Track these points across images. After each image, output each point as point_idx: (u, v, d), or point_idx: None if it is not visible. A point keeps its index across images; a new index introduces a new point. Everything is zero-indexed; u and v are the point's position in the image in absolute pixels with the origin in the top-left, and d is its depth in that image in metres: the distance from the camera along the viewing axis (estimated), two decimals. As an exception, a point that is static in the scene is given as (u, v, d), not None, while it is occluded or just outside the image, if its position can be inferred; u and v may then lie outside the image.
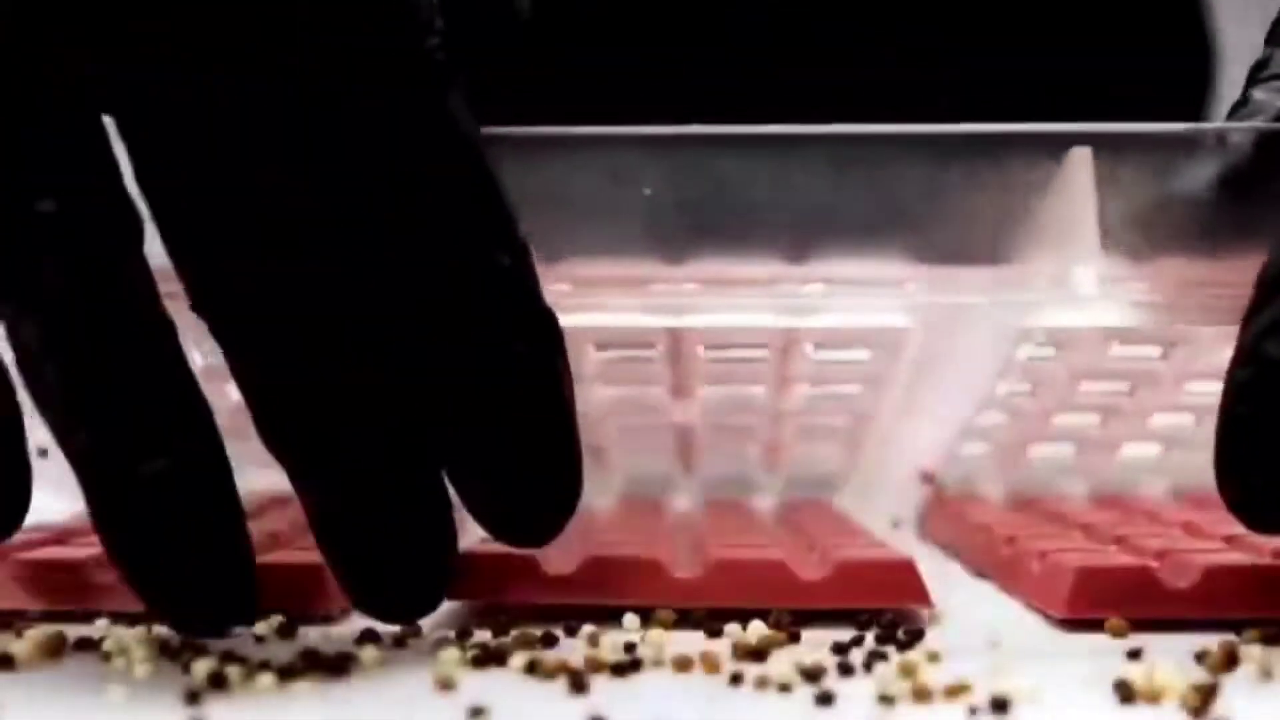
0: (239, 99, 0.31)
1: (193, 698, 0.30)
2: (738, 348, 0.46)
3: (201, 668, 0.32)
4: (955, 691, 0.30)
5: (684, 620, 0.37)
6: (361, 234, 0.32)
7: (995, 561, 0.43)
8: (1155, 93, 0.77)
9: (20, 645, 0.34)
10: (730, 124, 0.39)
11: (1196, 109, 0.78)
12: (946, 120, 0.74)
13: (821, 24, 0.72)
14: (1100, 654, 0.34)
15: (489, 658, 0.33)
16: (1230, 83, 0.80)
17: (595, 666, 0.32)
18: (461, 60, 0.33)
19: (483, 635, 0.35)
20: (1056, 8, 0.75)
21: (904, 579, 0.38)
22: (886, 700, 0.30)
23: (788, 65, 0.72)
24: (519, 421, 0.33)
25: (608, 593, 0.37)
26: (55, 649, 0.34)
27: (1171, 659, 0.33)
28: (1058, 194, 0.40)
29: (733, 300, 0.42)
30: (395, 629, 0.36)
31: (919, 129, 0.40)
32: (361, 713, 0.29)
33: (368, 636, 0.35)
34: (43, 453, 0.34)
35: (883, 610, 0.37)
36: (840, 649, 0.34)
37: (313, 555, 0.39)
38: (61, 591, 0.38)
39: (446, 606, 0.38)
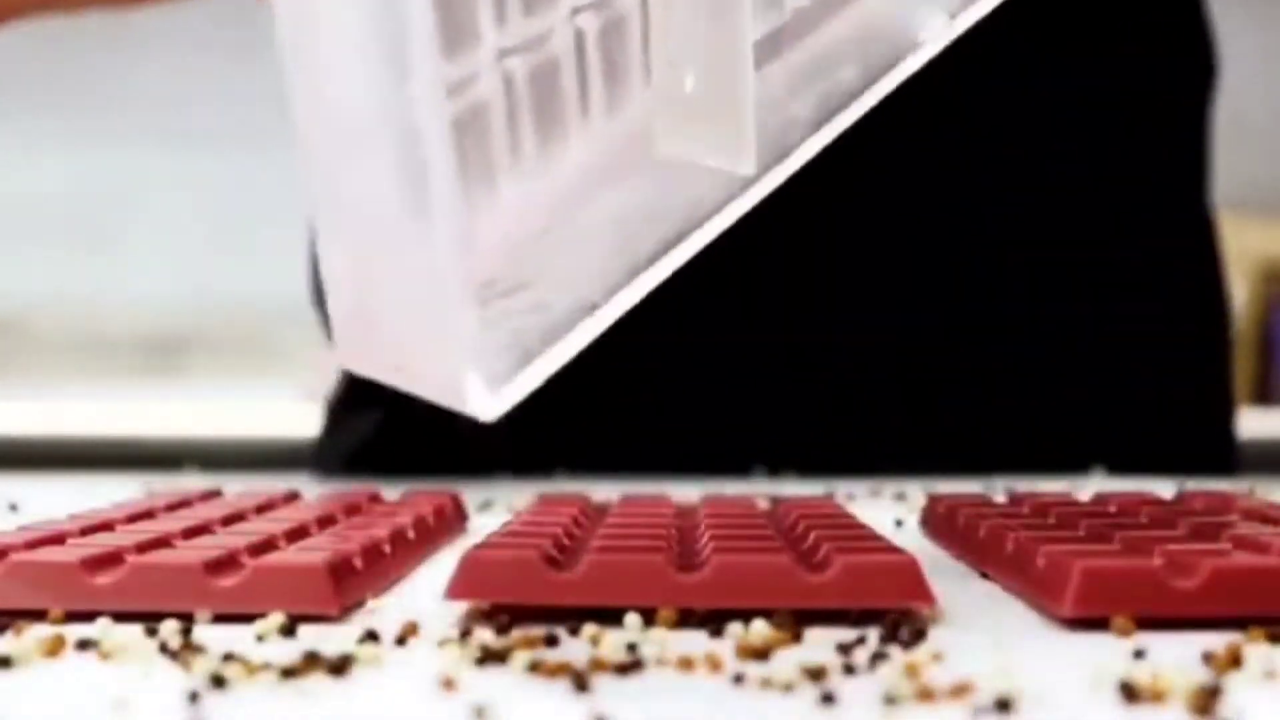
0: None
1: (193, 697, 0.30)
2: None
3: (202, 667, 0.32)
4: (959, 691, 0.30)
5: (686, 620, 0.37)
6: None
7: (999, 561, 0.43)
8: (1157, 94, 0.77)
9: (20, 645, 0.34)
10: None
11: (1198, 109, 0.78)
12: (958, 120, 0.74)
13: None
14: (1105, 654, 0.34)
15: (491, 657, 0.33)
16: (1229, 85, 0.80)
17: (598, 666, 0.32)
18: None
19: (485, 635, 0.35)
20: (1062, 13, 0.75)
21: (907, 579, 0.37)
22: (890, 700, 0.29)
23: None
24: None
25: (611, 593, 0.37)
26: (55, 649, 0.34)
27: (1176, 659, 0.33)
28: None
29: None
30: (396, 629, 0.36)
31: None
32: (363, 712, 0.29)
33: (369, 636, 0.35)
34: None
35: (886, 610, 0.37)
36: (843, 649, 0.34)
37: (313, 555, 0.39)
38: (62, 592, 0.38)
39: (449, 606, 0.38)
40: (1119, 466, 0.69)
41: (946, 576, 0.43)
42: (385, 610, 0.39)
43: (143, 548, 0.41)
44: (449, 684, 0.31)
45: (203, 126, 1.89)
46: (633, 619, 0.36)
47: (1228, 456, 0.78)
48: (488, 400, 0.32)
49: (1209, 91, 0.78)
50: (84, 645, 0.35)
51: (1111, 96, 0.75)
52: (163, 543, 0.42)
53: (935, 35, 0.40)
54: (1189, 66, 0.78)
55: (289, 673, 0.31)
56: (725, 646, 0.34)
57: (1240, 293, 1.76)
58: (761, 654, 0.33)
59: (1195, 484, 0.61)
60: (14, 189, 1.95)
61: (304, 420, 0.84)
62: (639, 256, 0.35)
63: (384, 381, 0.32)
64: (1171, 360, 0.77)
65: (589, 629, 0.35)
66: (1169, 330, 0.77)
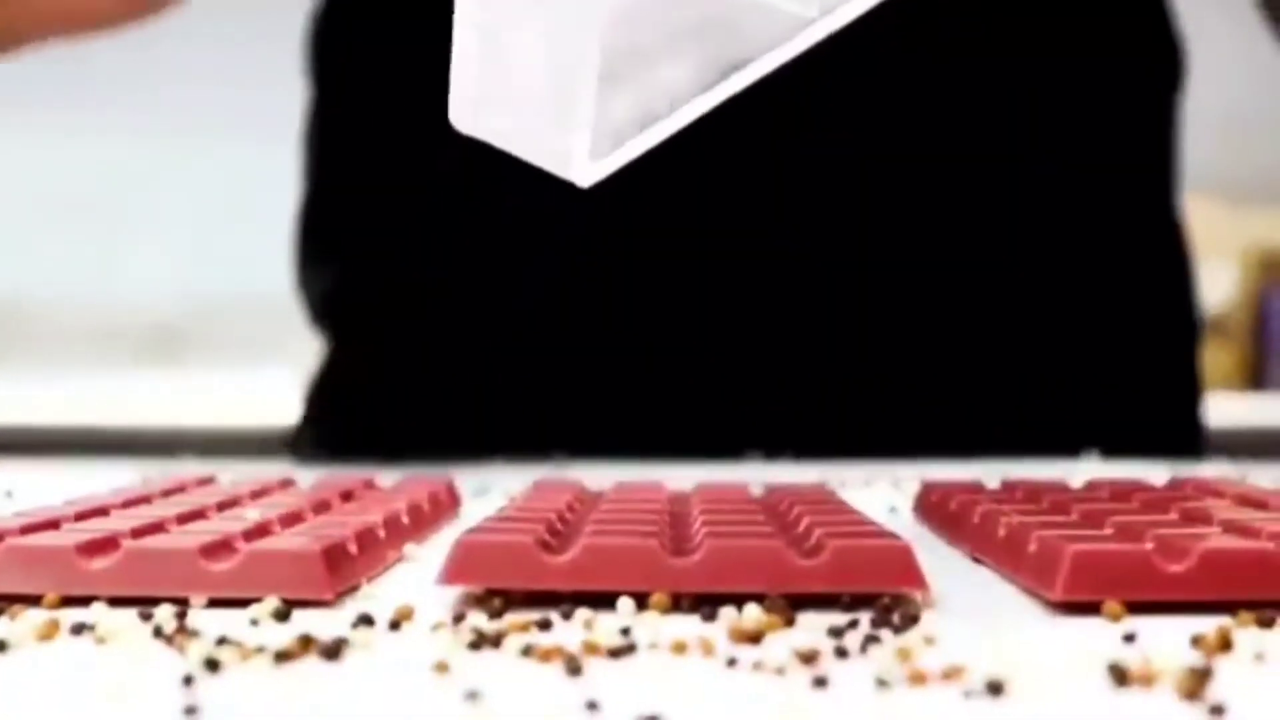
0: None
1: (188, 681, 0.30)
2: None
3: (196, 651, 0.32)
4: (950, 675, 0.30)
5: (679, 604, 0.37)
6: None
7: (991, 545, 0.43)
8: (1125, 88, 0.77)
9: (15, 629, 0.34)
10: None
11: (1166, 103, 0.79)
12: (927, 114, 0.74)
13: None
14: (1095, 637, 0.34)
15: (484, 641, 0.33)
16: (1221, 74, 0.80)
17: (591, 650, 0.32)
18: None
19: (478, 619, 0.35)
20: (1030, 7, 0.75)
21: (900, 563, 0.38)
22: (882, 684, 0.30)
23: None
24: None
25: (604, 578, 0.37)
26: (50, 633, 0.34)
27: (1166, 642, 0.33)
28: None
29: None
30: (390, 614, 0.36)
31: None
32: (357, 696, 0.29)
33: (363, 620, 0.35)
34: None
35: (878, 594, 0.37)
36: (836, 633, 0.34)
37: (307, 540, 0.39)
38: (57, 576, 0.38)
39: (443, 591, 0.38)
40: (1102, 450, 0.70)
41: (939, 561, 0.43)
42: (379, 595, 0.39)
43: (138, 533, 0.41)
44: (442, 668, 0.31)
45: (202, 116, 1.89)
46: (626, 603, 0.37)
47: (1196, 440, 0.79)
48: (588, 168, 0.36)
49: (1176, 88, 0.79)
50: (79, 629, 0.35)
51: (1081, 94, 0.76)
52: (158, 528, 0.42)
53: None
54: (1155, 64, 0.79)
55: (283, 657, 0.32)
56: (718, 630, 0.34)
57: (1233, 280, 1.76)
58: (754, 638, 0.34)
59: (1186, 469, 0.61)
60: (12, 177, 1.95)
61: (299, 407, 0.84)
62: (723, 66, 0.38)
63: (489, 141, 0.37)
64: (1141, 347, 0.78)
65: (582, 613, 0.36)
66: (1138, 319, 0.78)
